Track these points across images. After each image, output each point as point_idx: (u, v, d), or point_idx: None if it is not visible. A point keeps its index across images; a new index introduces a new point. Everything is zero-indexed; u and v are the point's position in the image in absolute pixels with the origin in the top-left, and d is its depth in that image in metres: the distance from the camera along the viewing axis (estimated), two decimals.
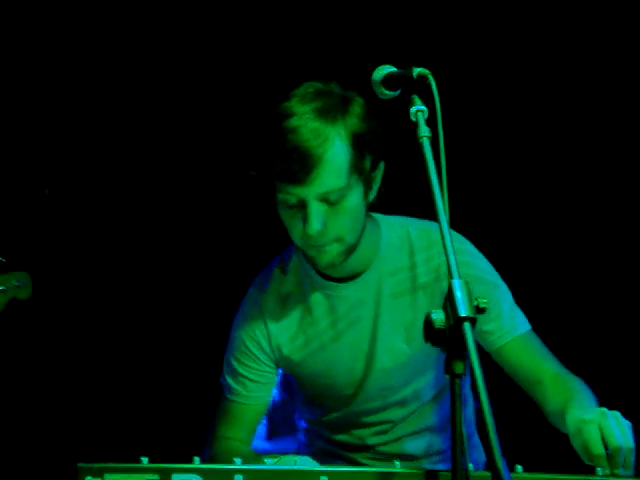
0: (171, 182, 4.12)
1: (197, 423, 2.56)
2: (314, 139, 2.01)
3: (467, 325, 1.49)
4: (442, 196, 1.63)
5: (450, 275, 1.56)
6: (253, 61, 4.03)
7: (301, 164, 2.01)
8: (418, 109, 1.75)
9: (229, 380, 2.33)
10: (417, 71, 1.81)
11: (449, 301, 1.52)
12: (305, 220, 2.05)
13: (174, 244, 4.16)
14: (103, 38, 4.03)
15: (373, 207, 2.22)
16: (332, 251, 2.12)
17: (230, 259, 4.00)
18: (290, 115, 2.05)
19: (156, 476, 1.65)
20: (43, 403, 4.04)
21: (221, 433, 2.33)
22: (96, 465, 1.65)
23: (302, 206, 2.06)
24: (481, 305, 1.53)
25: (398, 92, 1.89)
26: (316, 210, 2.04)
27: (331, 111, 2.06)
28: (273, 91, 2.21)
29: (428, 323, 1.55)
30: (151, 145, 4.09)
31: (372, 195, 2.17)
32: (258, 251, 2.67)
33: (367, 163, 2.11)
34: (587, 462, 1.87)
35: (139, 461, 1.67)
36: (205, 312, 3.90)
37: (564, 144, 3.89)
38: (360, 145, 2.07)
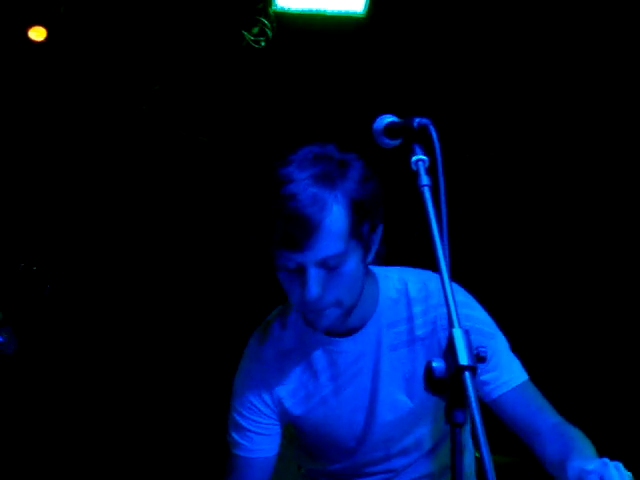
0: (180, 234, 4.19)
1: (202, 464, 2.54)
2: (312, 205, 1.99)
3: (468, 374, 1.49)
4: (443, 244, 1.64)
5: (450, 324, 1.56)
6: (250, 118, 4.10)
7: (300, 231, 1.98)
8: (419, 158, 1.76)
9: (234, 436, 2.30)
10: (417, 121, 1.82)
11: (449, 350, 1.52)
12: (304, 285, 2.03)
13: (182, 295, 4.20)
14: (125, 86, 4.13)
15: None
16: (331, 315, 2.10)
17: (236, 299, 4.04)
18: (288, 182, 2.01)
19: None
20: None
21: None
22: None
23: (301, 271, 2.03)
24: (481, 354, 1.53)
25: (399, 141, 1.89)
26: (315, 276, 2.02)
27: (329, 177, 2.03)
28: (270, 151, 2.20)
29: (429, 372, 1.54)
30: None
31: (370, 257, 2.15)
32: (262, 295, 2.66)
33: (365, 227, 2.09)
34: None
35: None
36: (212, 362, 3.91)
37: (565, 195, 3.92)
38: (359, 211, 2.04)
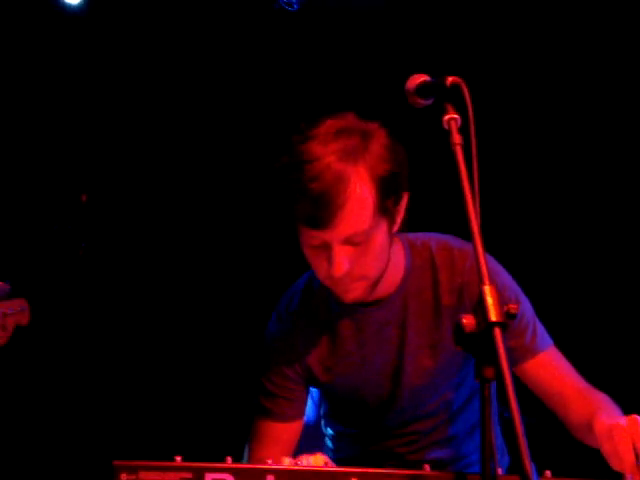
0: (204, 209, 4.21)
1: (231, 423, 2.56)
2: (337, 185, 1.96)
3: (498, 330, 1.50)
4: (474, 204, 1.64)
5: (481, 281, 1.56)
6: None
7: (325, 210, 1.97)
8: (451, 117, 1.75)
9: (262, 400, 2.31)
10: (449, 79, 1.81)
11: (480, 306, 1.54)
12: (330, 261, 2.03)
13: (206, 267, 4.23)
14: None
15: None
16: (358, 289, 2.11)
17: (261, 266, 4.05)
18: (311, 160, 1.99)
19: (189, 475, 1.67)
20: (81, 403, 4.10)
21: (257, 455, 2.28)
22: (131, 463, 1.68)
23: (326, 247, 2.03)
24: (512, 311, 1.54)
25: (431, 101, 1.88)
26: (341, 253, 2.02)
27: (352, 152, 2.00)
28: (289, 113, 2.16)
29: (459, 328, 1.55)
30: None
31: (395, 227, 2.14)
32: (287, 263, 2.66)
33: (390, 200, 2.07)
34: (616, 468, 1.87)
35: (173, 460, 1.70)
36: (243, 319, 3.95)
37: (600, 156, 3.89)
38: (383, 185, 2.02)
